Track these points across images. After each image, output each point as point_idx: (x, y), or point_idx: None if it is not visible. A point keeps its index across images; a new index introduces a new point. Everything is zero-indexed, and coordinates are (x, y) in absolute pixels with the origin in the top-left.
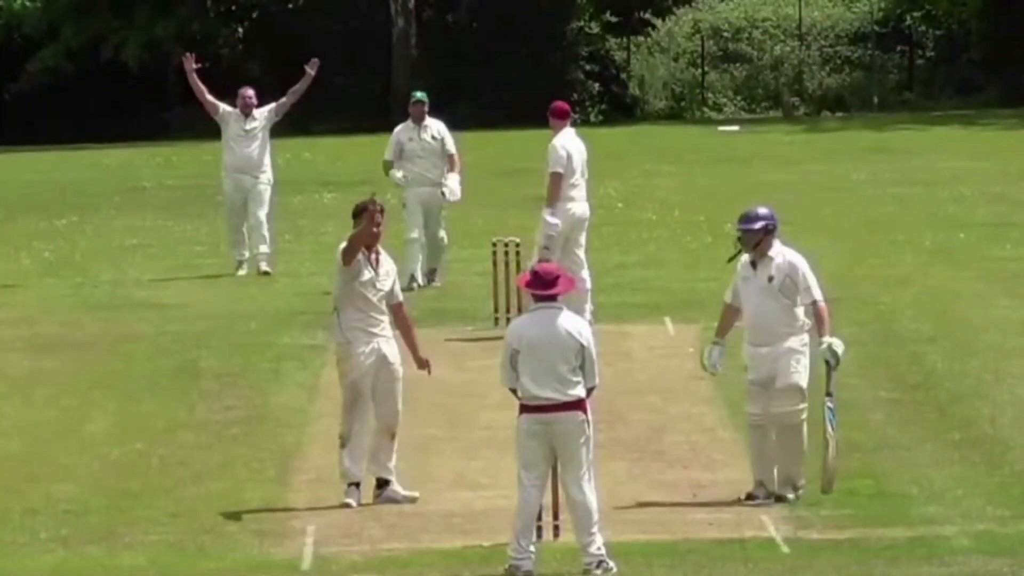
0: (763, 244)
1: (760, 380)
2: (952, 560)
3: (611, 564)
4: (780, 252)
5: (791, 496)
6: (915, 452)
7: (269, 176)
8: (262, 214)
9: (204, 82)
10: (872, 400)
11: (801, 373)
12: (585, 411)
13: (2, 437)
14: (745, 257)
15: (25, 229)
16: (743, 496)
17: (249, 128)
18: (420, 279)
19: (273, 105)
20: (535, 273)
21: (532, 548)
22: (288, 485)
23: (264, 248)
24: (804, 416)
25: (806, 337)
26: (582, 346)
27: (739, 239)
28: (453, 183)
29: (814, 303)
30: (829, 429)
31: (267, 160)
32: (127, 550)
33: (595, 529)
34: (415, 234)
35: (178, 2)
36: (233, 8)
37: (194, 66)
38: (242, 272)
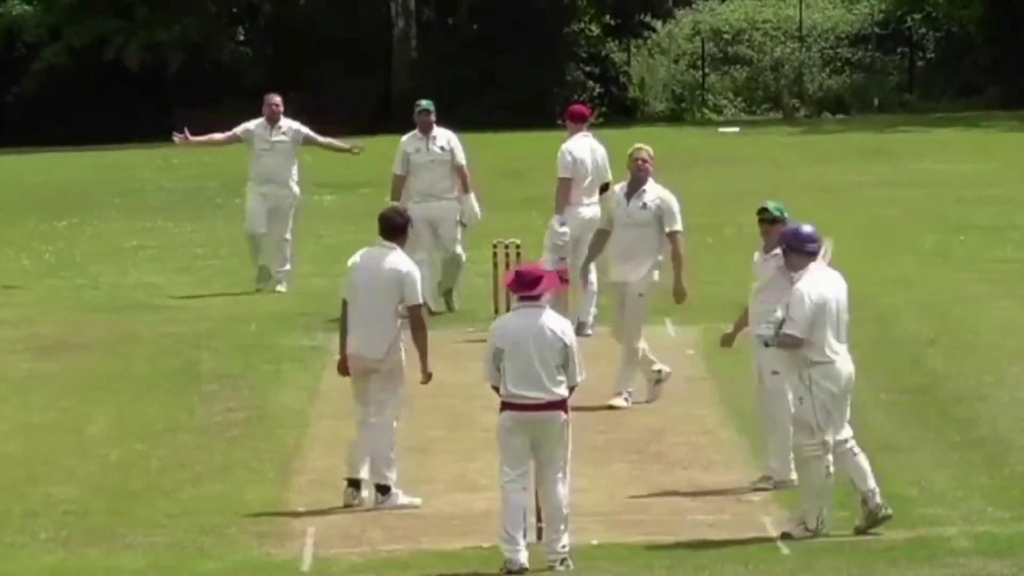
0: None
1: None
2: (952, 562)
3: (571, 563)
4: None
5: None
6: (915, 453)
7: (296, 191)
8: (286, 231)
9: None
10: (872, 401)
11: None
12: (566, 411)
13: (2, 438)
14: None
15: (25, 230)
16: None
17: (275, 140)
18: (431, 303)
19: (307, 131)
20: (518, 274)
21: (523, 541)
22: (288, 486)
23: (285, 267)
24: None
25: None
26: (565, 345)
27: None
28: (470, 207)
29: None
30: None
31: (294, 173)
32: (127, 551)
33: (563, 527)
34: (422, 255)
35: (179, 4)
36: (234, 10)
37: (182, 136)
38: (263, 285)
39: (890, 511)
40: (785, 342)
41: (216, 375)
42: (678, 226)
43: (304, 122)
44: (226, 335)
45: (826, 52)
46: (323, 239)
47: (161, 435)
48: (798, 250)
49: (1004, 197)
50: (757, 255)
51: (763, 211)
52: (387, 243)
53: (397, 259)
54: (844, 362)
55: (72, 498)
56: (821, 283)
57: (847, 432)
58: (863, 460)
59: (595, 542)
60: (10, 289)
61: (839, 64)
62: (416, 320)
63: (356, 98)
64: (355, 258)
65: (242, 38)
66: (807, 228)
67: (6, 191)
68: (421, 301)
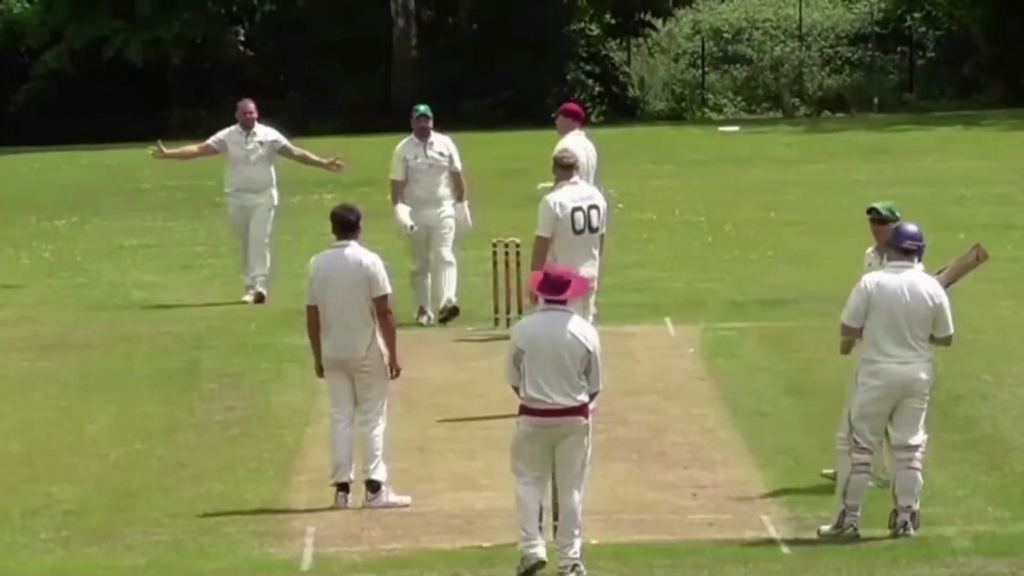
0: None
1: None
2: (952, 561)
3: (583, 569)
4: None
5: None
6: None
7: (273, 196)
8: (263, 236)
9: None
10: None
11: None
12: (587, 416)
13: (2, 437)
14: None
15: (25, 229)
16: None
17: (251, 147)
18: (430, 312)
19: (285, 142)
20: (546, 276)
21: (541, 536)
22: (288, 485)
23: (261, 270)
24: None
25: None
26: (588, 351)
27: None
28: (463, 216)
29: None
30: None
31: (272, 178)
32: (127, 550)
33: (577, 532)
34: (418, 266)
35: (179, 3)
36: (234, 9)
37: (157, 149)
38: (248, 297)
39: (912, 532)
40: (841, 329)
41: (216, 374)
42: (537, 231)
43: (303, 119)
44: (226, 334)
45: (826, 51)
46: (322, 237)
47: (161, 434)
48: (892, 245)
49: (1004, 196)
50: (871, 252)
51: (872, 211)
52: (341, 241)
53: (357, 253)
54: (898, 366)
55: (72, 497)
56: (884, 280)
57: (913, 439)
58: (911, 476)
59: (595, 541)
60: (10, 288)
61: (839, 63)
62: (383, 311)
63: (356, 97)
64: (315, 263)
65: (242, 37)
66: (908, 227)
67: (6, 190)
68: (388, 291)
